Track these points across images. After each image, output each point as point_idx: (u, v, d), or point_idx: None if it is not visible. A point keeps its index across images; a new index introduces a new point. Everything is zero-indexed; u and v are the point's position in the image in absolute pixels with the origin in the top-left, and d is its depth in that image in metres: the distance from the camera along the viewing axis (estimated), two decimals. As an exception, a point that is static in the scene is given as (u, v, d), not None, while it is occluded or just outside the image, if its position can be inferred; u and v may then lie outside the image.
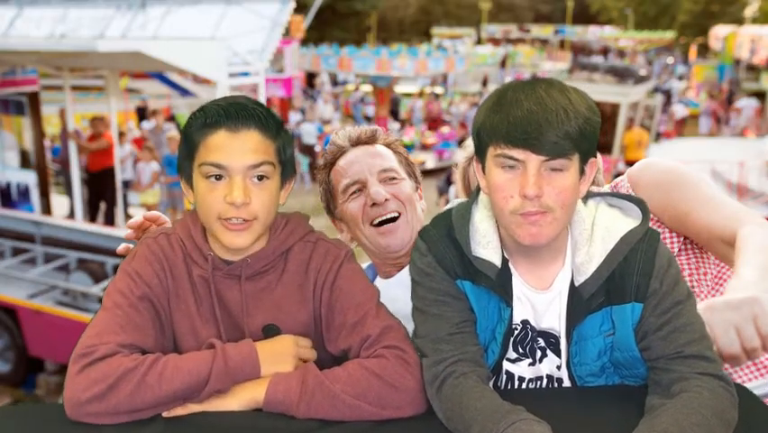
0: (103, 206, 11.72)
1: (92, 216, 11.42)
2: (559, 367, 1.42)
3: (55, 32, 10.82)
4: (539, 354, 1.43)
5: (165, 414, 1.32)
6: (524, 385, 1.46)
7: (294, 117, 20.38)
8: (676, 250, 1.79)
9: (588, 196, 1.41)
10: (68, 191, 11.58)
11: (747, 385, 1.48)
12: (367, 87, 26.78)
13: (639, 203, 1.41)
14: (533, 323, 1.41)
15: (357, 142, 1.90)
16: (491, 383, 1.41)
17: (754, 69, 31.96)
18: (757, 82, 29.69)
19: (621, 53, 49.63)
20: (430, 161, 19.16)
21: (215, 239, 1.44)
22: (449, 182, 12.27)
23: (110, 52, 8.27)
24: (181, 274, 1.47)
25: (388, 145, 1.92)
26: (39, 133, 11.01)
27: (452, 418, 1.29)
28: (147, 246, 1.48)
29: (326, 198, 1.93)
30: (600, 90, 16.27)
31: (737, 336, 1.34)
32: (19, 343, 8.29)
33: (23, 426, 1.31)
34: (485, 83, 32.56)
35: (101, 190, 11.36)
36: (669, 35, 53.06)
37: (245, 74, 9.81)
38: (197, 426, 1.30)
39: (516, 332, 1.42)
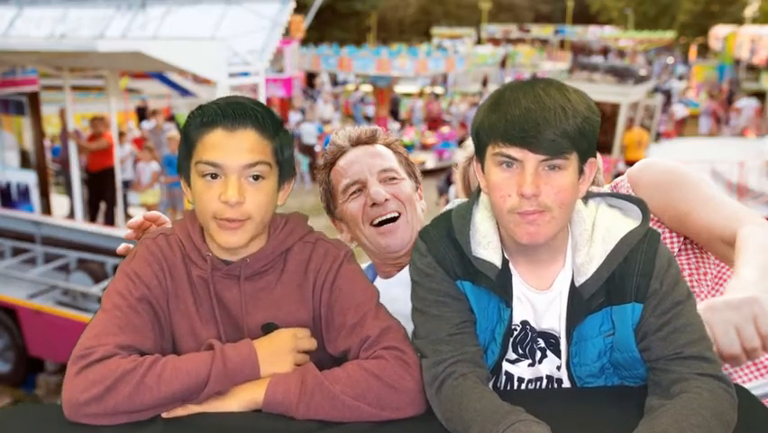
0: (103, 206, 11.72)
1: (92, 216, 11.42)
2: (559, 368, 1.42)
3: (55, 32, 10.82)
4: (539, 354, 1.43)
5: (164, 415, 1.32)
6: (523, 386, 1.45)
7: (294, 117, 20.39)
8: (676, 250, 1.79)
9: (588, 196, 1.41)
10: (68, 191, 11.58)
11: (747, 385, 1.48)
12: (367, 87, 26.79)
13: (639, 203, 1.41)
14: (533, 324, 1.41)
15: (357, 142, 1.90)
16: (491, 384, 1.41)
17: (754, 69, 31.97)
18: (757, 82, 29.70)
19: (621, 53, 49.63)
20: (430, 161, 19.16)
21: (212, 239, 1.44)
22: (449, 182, 12.28)
23: (110, 52, 8.27)
24: (180, 275, 1.46)
25: (388, 145, 1.92)
26: (39, 133, 11.02)
27: (452, 418, 1.29)
28: (146, 247, 1.47)
29: (326, 198, 1.93)
30: (600, 90, 16.27)
31: (737, 336, 1.34)
32: (19, 343, 8.29)
33: (23, 426, 1.31)
34: (485, 83, 32.56)
35: (101, 190, 11.36)
36: (669, 35, 53.07)
37: (245, 74, 9.81)
38: (197, 427, 1.29)
39: (515, 333, 1.41)
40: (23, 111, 10.76)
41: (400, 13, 63.81)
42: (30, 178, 10.89)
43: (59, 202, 12.25)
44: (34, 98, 10.78)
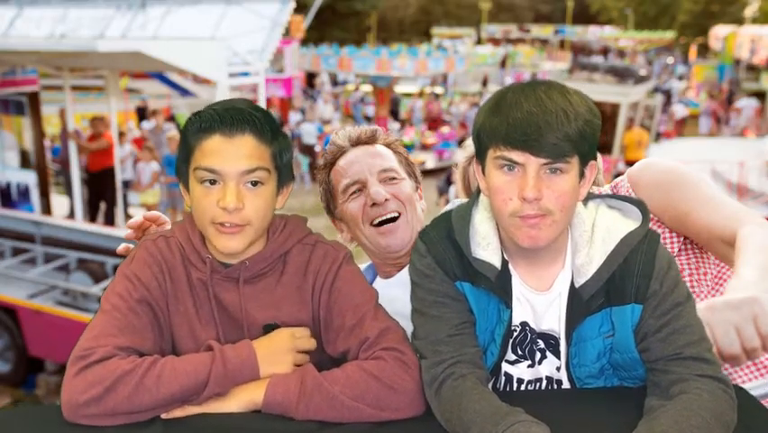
0: (103, 206, 11.72)
1: (92, 216, 11.42)
2: (558, 369, 1.42)
3: (55, 32, 10.81)
4: (538, 355, 1.42)
5: (164, 416, 1.32)
6: (523, 387, 1.45)
7: (294, 117, 20.40)
8: (676, 250, 1.79)
9: (588, 197, 1.41)
10: (68, 191, 11.58)
11: (747, 385, 1.48)
12: (367, 87, 26.79)
13: (639, 204, 1.41)
14: (532, 325, 1.41)
15: (357, 142, 1.90)
16: (490, 385, 1.41)
17: (754, 69, 31.98)
18: (757, 82, 29.70)
19: (621, 53, 49.62)
20: (430, 161, 19.17)
21: (211, 243, 1.43)
22: (449, 182, 12.27)
23: (110, 52, 8.26)
24: (180, 277, 1.46)
25: (388, 145, 1.92)
26: (39, 133, 11.02)
27: (451, 419, 1.29)
28: (145, 249, 1.47)
29: (326, 198, 1.93)
30: (600, 90, 16.29)
31: (737, 336, 1.34)
32: (19, 343, 8.29)
33: (23, 427, 1.31)
34: (485, 83, 32.56)
35: (101, 190, 11.36)
36: (669, 35, 53.07)
37: (245, 74, 9.81)
38: (196, 427, 1.29)
39: (515, 334, 1.41)
40: (23, 111, 10.76)
41: (400, 13, 63.82)
42: (30, 178, 10.89)
43: (59, 202, 12.25)
44: (34, 98, 10.78)
